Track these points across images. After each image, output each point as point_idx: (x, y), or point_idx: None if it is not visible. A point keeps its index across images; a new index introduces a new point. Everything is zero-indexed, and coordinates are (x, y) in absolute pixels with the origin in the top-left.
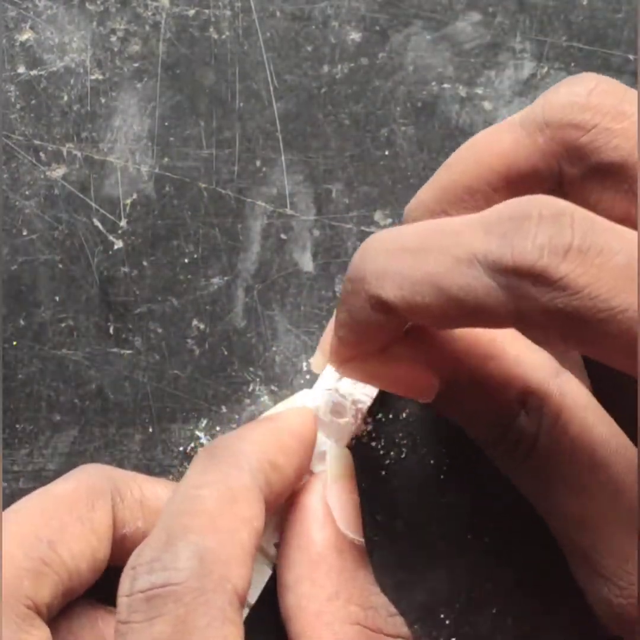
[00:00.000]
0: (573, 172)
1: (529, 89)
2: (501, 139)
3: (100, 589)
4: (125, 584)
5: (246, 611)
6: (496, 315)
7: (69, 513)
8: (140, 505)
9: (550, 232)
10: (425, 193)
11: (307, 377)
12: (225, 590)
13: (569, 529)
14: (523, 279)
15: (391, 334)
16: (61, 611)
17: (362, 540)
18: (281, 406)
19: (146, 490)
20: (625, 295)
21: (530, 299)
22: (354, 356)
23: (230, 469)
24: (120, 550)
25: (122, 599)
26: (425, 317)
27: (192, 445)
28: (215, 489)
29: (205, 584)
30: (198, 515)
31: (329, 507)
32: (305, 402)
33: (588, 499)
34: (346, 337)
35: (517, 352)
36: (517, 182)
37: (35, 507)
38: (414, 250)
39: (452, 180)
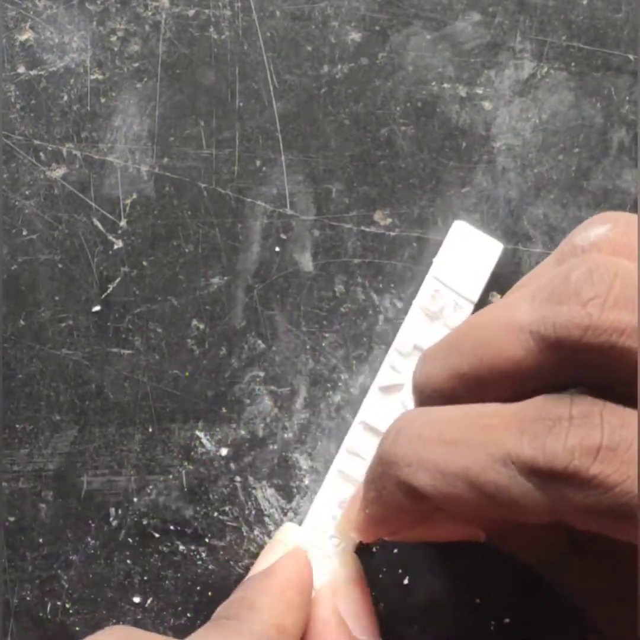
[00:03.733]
0: (590, 384)
1: (529, 88)
2: (511, 347)
3: None
4: None
5: None
6: (531, 512)
7: None
8: None
9: (580, 433)
10: (436, 375)
11: (307, 377)
12: None
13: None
14: (556, 480)
15: (421, 514)
16: None
17: None
18: (270, 552)
19: None
20: None
21: (565, 498)
22: (383, 533)
23: None
24: None
25: None
26: (457, 508)
27: (192, 445)
28: None
29: None
30: None
31: (341, 614)
32: (296, 539)
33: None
34: (375, 515)
35: None
36: (531, 383)
37: None
38: (448, 442)
39: (462, 370)
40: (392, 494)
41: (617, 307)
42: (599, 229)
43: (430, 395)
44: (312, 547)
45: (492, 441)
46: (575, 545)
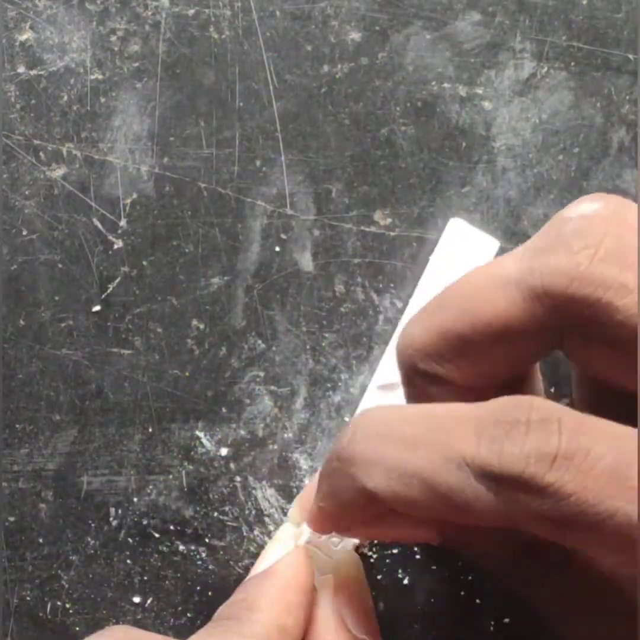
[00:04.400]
0: (574, 340)
1: (529, 88)
2: (496, 299)
3: None
4: None
5: None
6: (485, 516)
7: None
8: None
9: (538, 439)
10: (419, 334)
11: (307, 377)
12: None
13: None
14: (511, 485)
15: (375, 514)
16: None
17: None
18: (269, 552)
19: None
20: (611, 501)
21: (519, 505)
22: (336, 528)
23: None
24: None
25: None
26: (410, 509)
27: (192, 445)
28: None
29: None
30: None
31: (341, 614)
32: (296, 539)
33: (601, 622)
34: (328, 509)
35: None
36: (515, 340)
37: None
38: (405, 442)
39: (446, 327)
40: (346, 491)
41: (606, 261)
42: (591, 205)
43: (412, 355)
44: (312, 547)
45: (448, 442)
46: (527, 549)
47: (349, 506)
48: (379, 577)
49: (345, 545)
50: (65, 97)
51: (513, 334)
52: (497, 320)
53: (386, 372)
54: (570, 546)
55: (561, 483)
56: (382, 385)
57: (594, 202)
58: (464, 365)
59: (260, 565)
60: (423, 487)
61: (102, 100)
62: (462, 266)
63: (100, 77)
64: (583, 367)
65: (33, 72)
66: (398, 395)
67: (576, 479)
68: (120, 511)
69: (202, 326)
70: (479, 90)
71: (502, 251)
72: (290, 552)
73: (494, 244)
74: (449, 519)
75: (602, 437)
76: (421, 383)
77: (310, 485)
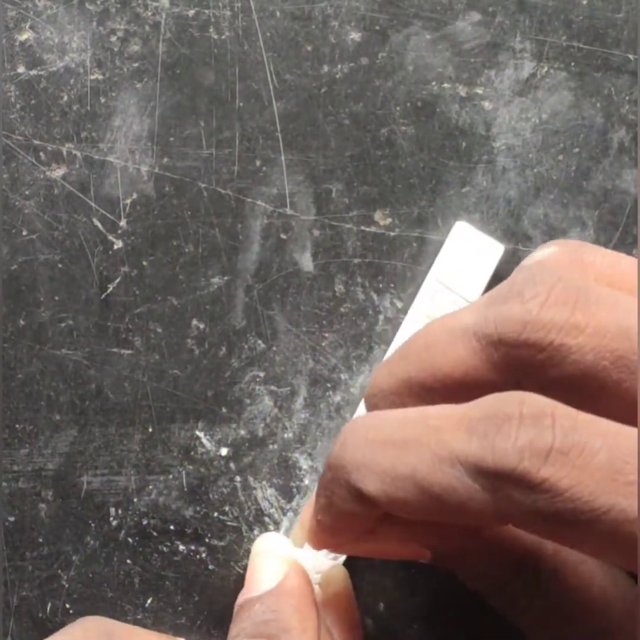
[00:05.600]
0: (532, 384)
1: (529, 88)
2: (455, 348)
3: None
4: None
5: None
6: (479, 515)
7: None
8: None
9: (531, 434)
10: (384, 381)
11: (307, 377)
12: None
13: None
14: (504, 481)
15: (373, 521)
16: None
17: None
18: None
19: None
20: (607, 496)
21: (513, 501)
22: (334, 542)
23: None
24: None
25: None
26: (405, 511)
27: (192, 445)
28: None
29: None
30: None
31: (328, 628)
32: (289, 553)
33: None
34: (325, 521)
35: None
36: (475, 387)
37: None
38: (396, 444)
39: (408, 375)
40: (341, 500)
41: (556, 305)
42: (545, 250)
43: (377, 401)
44: (302, 560)
45: (440, 441)
46: (518, 568)
47: (346, 516)
48: (379, 577)
49: (334, 557)
50: (65, 97)
51: (471, 382)
52: (456, 369)
53: None
54: (565, 544)
55: (556, 478)
56: None
57: (550, 247)
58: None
59: (256, 578)
60: (416, 488)
61: (102, 100)
62: (467, 270)
63: (100, 77)
64: None
65: (33, 72)
66: None
67: (571, 474)
68: (120, 511)
69: (202, 326)
70: (479, 90)
71: (506, 254)
72: (292, 569)
73: (498, 248)
74: (443, 520)
75: (597, 433)
76: None
77: (308, 504)
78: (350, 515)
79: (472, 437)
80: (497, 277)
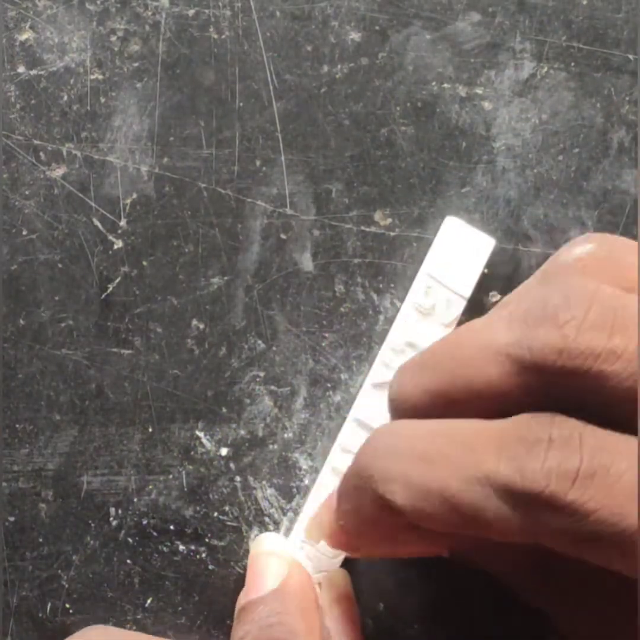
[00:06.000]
0: (566, 406)
1: (528, 89)
2: (487, 368)
3: None
4: None
5: None
6: (506, 533)
7: None
8: None
9: (559, 457)
10: (411, 393)
11: (307, 377)
12: None
13: None
14: (533, 503)
15: (397, 529)
16: None
17: None
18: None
19: None
20: (633, 517)
21: (541, 522)
22: (354, 545)
23: None
24: None
25: None
26: (432, 524)
27: (192, 445)
28: None
29: None
30: None
31: (329, 629)
32: (289, 553)
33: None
34: (348, 527)
35: None
36: (505, 404)
37: None
38: (426, 458)
39: (438, 388)
40: (368, 508)
41: (593, 330)
42: (583, 248)
43: (403, 410)
44: (303, 560)
45: (470, 460)
46: (540, 561)
47: (370, 524)
48: (379, 577)
49: (336, 556)
50: (65, 97)
51: (505, 401)
52: (488, 388)
53: (381, 370)
54: (593, 562)
55: (582, 501)
56: (376, 384)
57: (587, 243)
58: None
59: (256, 579)
60: (445, 504)
61: (102, 100)
62: (458, 265)
63: (100, 77)
64: None
65: (33, 72)
66: None
67: (597, 497)
68: (120, 511)
69: (202, 326)
70: (479, 90)
71: (498, 249)
72: (296, 569)
73: (489, 242)
74: (470, 534)
75: (623, 454)
76: None
77: (325, 504)
78: (375, 523)
79: (502, 458)
80: (496, 276)
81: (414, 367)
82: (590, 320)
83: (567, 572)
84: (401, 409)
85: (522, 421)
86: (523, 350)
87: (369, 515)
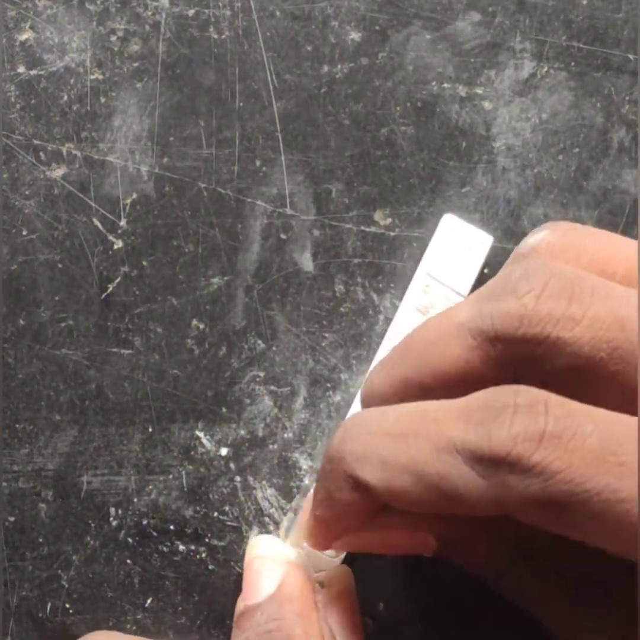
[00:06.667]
0: (529, 379)
1: (529, 88)
2: (451, 346)
3: None
4: None
5: None
6: (475, 503)
7: None
8: None
9: (525, 421)
10: (380, 383)
11: (307, 377)
12: None
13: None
14: (500, 467)
15: (369, 512)
16: None
17: None
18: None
19: None
20: (599, 477)
21: (508, 487)
22: (332, 536)
23: None
24: None
25: None
26: (404, 502)
27: (192, 445)
28: None
29: None
30: None
31: (331, 627)
32: (286, 556)
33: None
34: (324, 515)
35: None
36: (472, 384)
37: None
38: (395, 436)
39: (406, 375)
40: (340, 491)
41: (551, 298)
42: (538, 235)
43: (376, 402)
44: (302, 559)
45: (438, 431)
46: (522, 553)
47: (344, 508)
48: (379, 577)
49: (336, 554)
50: (65, 97)
51: (469, 379)
52: (453, 367)
53: None
54: (559, 531)
55: (548, 461)
56: None
57: (542, 231)
58: None
59: (253, 584)
60: (415, 476)
61: (102, 100)
62: (457, 263)
63: (100, 77)
64: None
65: (33, 72)
66: None
67: (563, 457)
68: (120, 511)
69: (202, 326)
70: (479, 90)
71: (499, 249)
72: (293, 572)
73: (487, 239)
74: (440, 511)
75: (588, 419)
76: None
77: (307, 508)
78: (348, 505)
79: (469, 426)
80: (491, 270)
81: (382, 361)
82: (549, 290)
83: (549, 568)
84: (374, 403)
85: (488, 391)
86: (485, 322)
87: (343, 499)
